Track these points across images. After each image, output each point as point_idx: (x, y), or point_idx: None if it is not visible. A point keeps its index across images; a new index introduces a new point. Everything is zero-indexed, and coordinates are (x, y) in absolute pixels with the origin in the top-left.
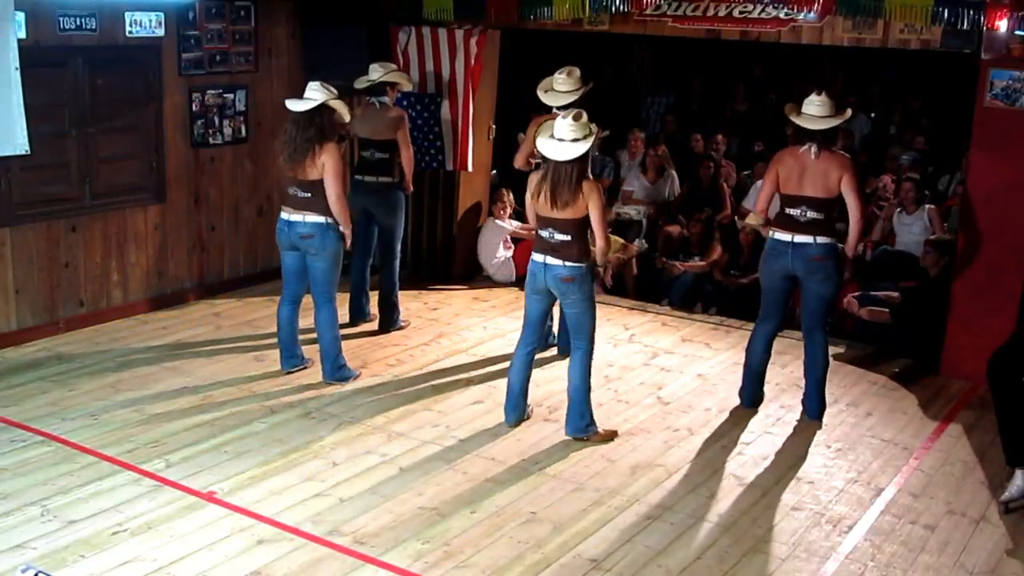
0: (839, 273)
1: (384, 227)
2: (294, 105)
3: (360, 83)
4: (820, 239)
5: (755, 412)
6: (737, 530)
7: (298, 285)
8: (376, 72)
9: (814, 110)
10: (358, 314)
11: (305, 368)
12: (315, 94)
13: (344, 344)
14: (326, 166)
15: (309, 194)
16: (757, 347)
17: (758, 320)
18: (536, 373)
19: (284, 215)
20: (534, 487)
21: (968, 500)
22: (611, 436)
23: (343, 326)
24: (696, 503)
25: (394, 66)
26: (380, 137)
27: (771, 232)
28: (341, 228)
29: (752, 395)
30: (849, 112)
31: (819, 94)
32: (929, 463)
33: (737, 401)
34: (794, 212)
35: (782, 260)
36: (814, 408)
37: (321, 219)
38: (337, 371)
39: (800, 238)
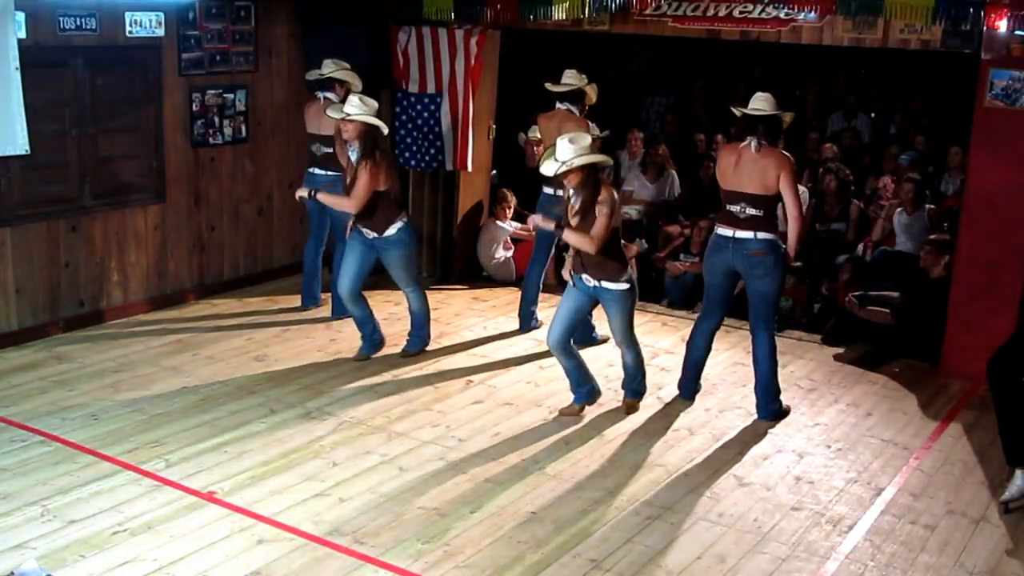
0: (780, 269)
1: (336, 218)
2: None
3: (311, 75)
4: (760, 235)
5: (755, 413)
6: (737, 530)
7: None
8: (327, 68)
9: (758, 104)
10: (309, 298)
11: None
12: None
13: (343, 344)
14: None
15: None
16: (698, 342)
17: (699, 316)
18: (537, 373)
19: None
20: (534, 487)
21: (968, 500)
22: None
23: (299, 309)
24: (696, 503)
25: (347, 65)
26: (326, 132)
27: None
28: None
29: (691, 388)
30: (790, 116)
31: (763, 92)
32: (929, 463)
33: (737, 400)
34: (734, 208)
35: (723, 255)
36: (761, 407)
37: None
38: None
39: (741, 233)
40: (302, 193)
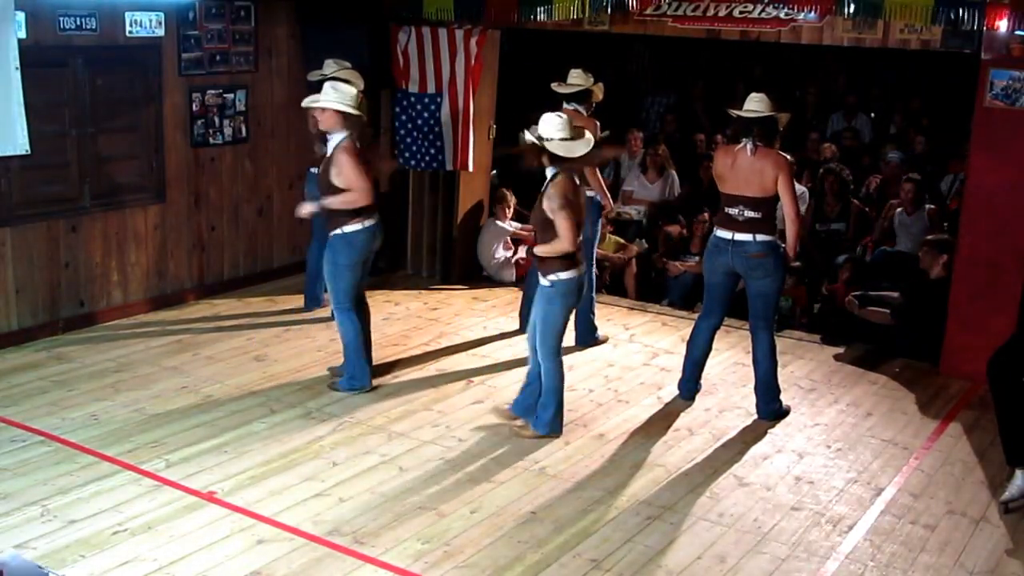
0: (780, 270)
1: None
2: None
3: (313, 76)
4: (760, 237)
5: (755, 413)
6: (737, 530)
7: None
8: (329, 68)
9: (753, 105)
10: (312, 300)
11: None
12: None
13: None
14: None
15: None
16: (699, 341)
17: (700, 315)
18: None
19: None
20: (534, 487)
21: (968, 500)
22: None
23: (300, 310)
24: (696, 503)
25: (348, 64)
26: None
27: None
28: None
29: (691, 388)
30: (787, 116)
31: (759, 93)
32: (929, 463)
33: (737, 400)
34: (732, 211)
35: (723, 257)
36: (761, 407)
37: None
38: None
39: (740, 236)
40: (310, 209)
